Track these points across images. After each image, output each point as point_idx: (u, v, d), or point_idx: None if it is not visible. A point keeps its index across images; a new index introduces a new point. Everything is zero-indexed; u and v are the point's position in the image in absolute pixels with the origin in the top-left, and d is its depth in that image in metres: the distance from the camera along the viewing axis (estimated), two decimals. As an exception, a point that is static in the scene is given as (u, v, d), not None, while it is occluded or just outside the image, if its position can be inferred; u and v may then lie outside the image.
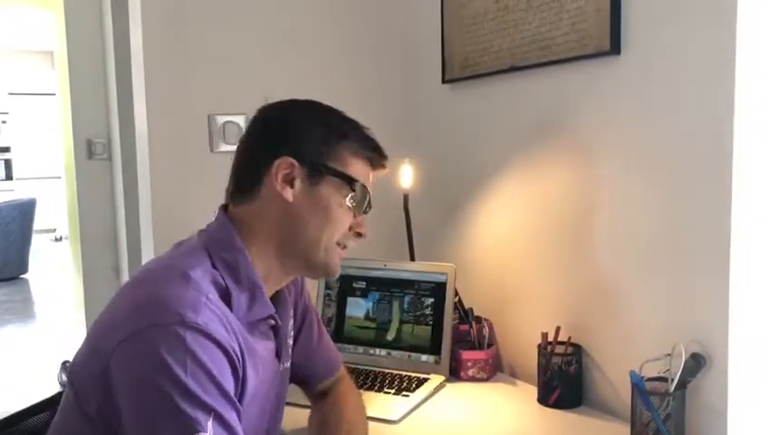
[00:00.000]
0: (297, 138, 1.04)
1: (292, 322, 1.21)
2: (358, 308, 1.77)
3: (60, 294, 5.84)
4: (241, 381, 0.95)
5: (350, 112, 1.09)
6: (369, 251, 1.93)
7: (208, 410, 0.86)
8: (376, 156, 1.10)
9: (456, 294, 1.70)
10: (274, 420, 1.17)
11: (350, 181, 1.05)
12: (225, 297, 0.97)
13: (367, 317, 1.76)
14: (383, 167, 1.12)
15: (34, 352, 4.45)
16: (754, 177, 1.19)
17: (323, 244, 1.05)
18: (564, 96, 1.53)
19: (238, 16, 1.90)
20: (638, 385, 1.25)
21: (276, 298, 1.10)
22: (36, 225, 7.08)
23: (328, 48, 2.00)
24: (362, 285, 1.78)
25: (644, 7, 1.33)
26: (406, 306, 1.72)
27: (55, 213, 8.11)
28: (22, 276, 6.90)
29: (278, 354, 1.12)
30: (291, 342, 1.21)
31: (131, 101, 1.81)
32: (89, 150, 2.00)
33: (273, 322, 1.08)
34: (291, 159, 1.01)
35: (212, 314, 0.91)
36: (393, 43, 2.08)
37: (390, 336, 1.72)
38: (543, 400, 1.49)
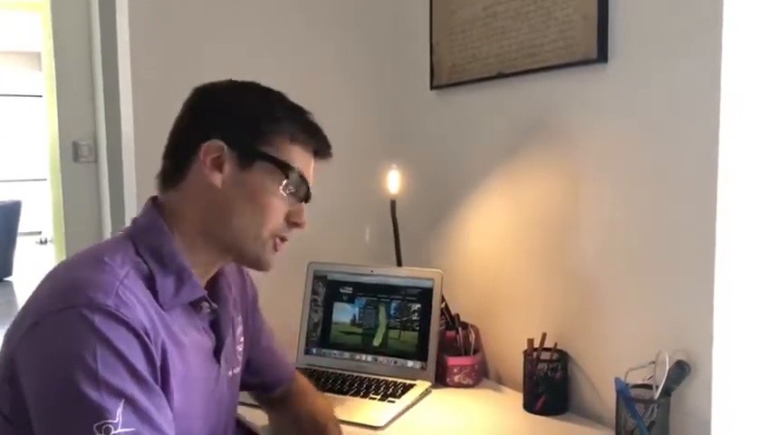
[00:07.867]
0: (228, 120, 0.99)
1: (241, 328, 1.16)
2: (344, 314, 1.76)
3: (44, 298, 5.77)
4: (161, 369, 0.89)
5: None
6: (357, 256, 1.94)
7: (119, 395, 0.80)
8: (316, 142, 1.02)
9: (443, 299, 1.69)
10: (219, 431, 1.09)
11: (283, 167, 0.98)
12: (149, 282, 0.92)
13: (353, 323, 1.75)
14: (325, 155, 1.04)
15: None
16: (740, 185, 1.20)
17: (253, 235, 0.98)
18: (551, 103, 1.53)
19: (227, 21, 1.89)
20: (623, 392, 1.26)
21: (214, 292, 1.05)
22: (21, 227, 7.03)
23: (316, 54, 2.00)
24: (349, 290, 1.77)
25: (632, 16, 1.33)
26: (392, 312, 1.72)
27: (41, 215, 8.03)
28: (6, 279, 6.83)
29: (216, 353, 1.05)
30: (240, 348, 1.15)
31: (118, 103, 1.79)
32: (75, 153, 1.99)
33: (207, 304, 1.01)
34: (220, 143, 0.96)
35: (125, 298, 0.85)
36: (381, 50, 2.08)
37: (377, 342, 1.72)
38: (529, 406, 1.49)
